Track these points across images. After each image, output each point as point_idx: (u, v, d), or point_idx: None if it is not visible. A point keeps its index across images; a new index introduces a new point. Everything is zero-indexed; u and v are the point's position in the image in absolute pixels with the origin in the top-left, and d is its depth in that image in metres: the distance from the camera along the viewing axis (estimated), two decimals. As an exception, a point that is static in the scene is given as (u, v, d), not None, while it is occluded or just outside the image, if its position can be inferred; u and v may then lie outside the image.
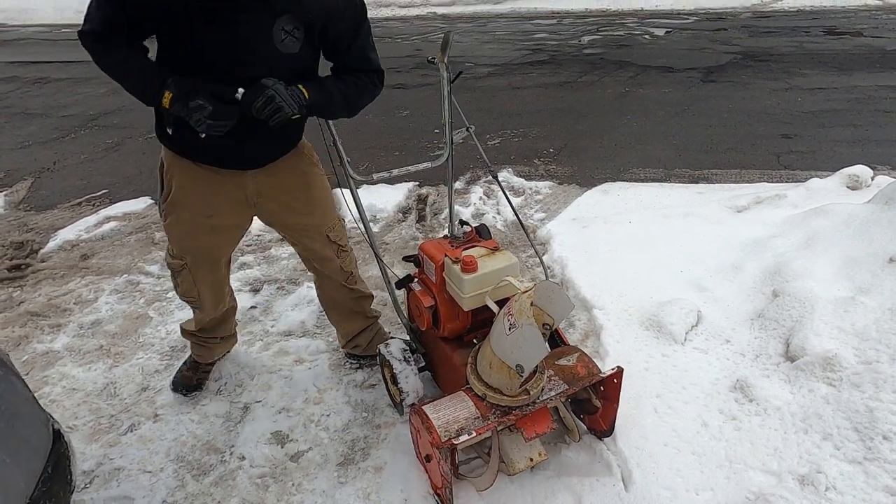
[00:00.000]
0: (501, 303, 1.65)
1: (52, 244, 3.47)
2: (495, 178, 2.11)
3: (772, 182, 3.84)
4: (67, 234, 3.58)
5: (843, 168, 3.54)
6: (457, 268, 1.65)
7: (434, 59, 2.12)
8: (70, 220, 3.79)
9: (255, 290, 2.91)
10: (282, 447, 1.99)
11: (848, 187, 3.43)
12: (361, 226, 2.01)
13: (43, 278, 3.14)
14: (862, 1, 10.93)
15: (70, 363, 2.47)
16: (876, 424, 1.68)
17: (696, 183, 3.94)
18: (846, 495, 1.56)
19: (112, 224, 3.68)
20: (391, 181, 3.91)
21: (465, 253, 1.69)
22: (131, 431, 2.10)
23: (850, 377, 1.84)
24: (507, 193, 2.19)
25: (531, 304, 1.46)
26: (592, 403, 1.80)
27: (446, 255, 1.72)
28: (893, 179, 2.90)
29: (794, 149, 4.45)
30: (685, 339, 2.28)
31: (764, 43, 7.98)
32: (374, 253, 1.98)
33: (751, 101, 5.55)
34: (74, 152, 5.04)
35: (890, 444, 1.62)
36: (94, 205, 4.02)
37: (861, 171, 3.48)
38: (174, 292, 2.91)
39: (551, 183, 4.01)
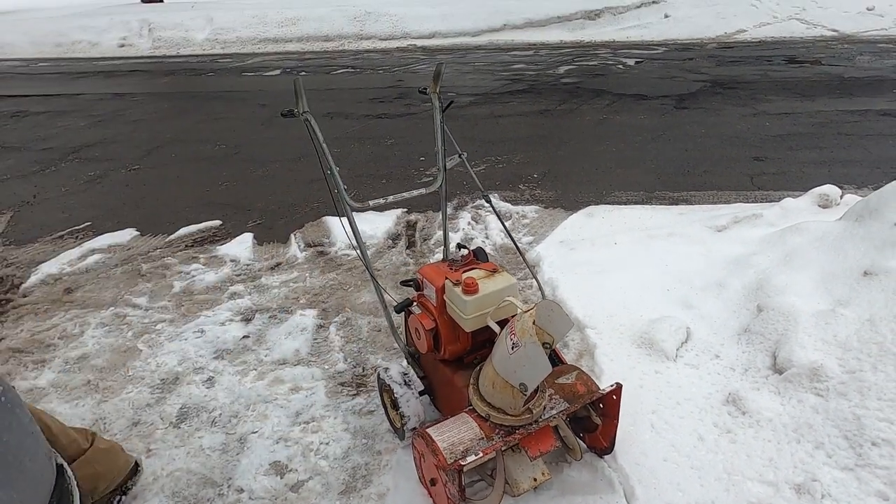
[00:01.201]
0: (501, 323, 1.69)
1: (33, 278, 3.40)
2: (488, 200, 2.17)
3: (748, 202, 4.00)
4: (50, 267, 3.51)
5: (813, 188, 3.71)
6: (458, 290, 1.69)
7: (426, 89, 2.21)
8: (52, 253, 3.72)
9: (247, 320, 2.89)
10: (281, 478, 1.96)
11: (819, 206, 3.60)
12: (358, 252, 2.04)
13: (25, 313, 3.06)
14: (818, 32, 11.61)
15: (56, 399, 2.40)
16: (864, 431, 1.74)
17: (677, 205, 4.08)
18: (841, 501, 1.61)
19: (96, 256, 3.63)
20: (380, 208, 3.97)
21: (465, 275, 1.73)
22: (123, 468, 2.04)
23: (836, 387, 1.91)
24: (500, 215, 2.25)
25: (533, 323, 1.50)
26: (592, 421, 1.83)
27: (447, 278, 1.76)
28: (860, 198, 3.05)
29: (766, 170, 4.66)
30: (676, 356, 2.33)
31: (731, 71, 8.39)
32: (372, 278, 2.00)
33: (722, 126, 5.80)
34: (55, 185, 4.98)
35: (879, 449, 1.68)
36: (76, 237, 3.96)
37: (830, 190, 3.65)
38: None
39: (537, 207, 4.10)
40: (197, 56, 12.39)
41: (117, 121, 7.11)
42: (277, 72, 10.12)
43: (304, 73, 9.84)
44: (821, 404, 1.89)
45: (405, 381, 2.00)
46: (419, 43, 12.58)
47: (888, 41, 10.60)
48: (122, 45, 13.59)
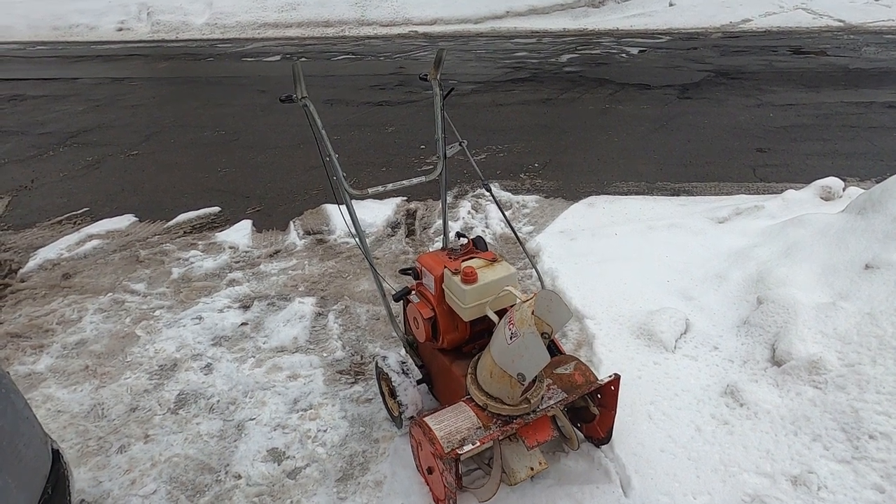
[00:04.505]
0: (500, 313, 1.68)
1: (31, 263, 3.39)
2: (488, 189, 2.15)
3: (749, 194, 3.98)
4: (48, 252, 3.50)
5: (815, 180, 3.69)
6: (457, 279, 1.67)
7: (427, 75, 2.17)
8: (50, 238, 3.71)
9: (245, 307, 2.89)
10: (279, 464, 1.97)
11: (821, 198, 3.58)
12: (357, 240, 2.02)
13: (23, 298, 3.06)
14: (825, 22, 11.47)
15: (54, 385, 2.40)
16: (862, 424, 1.74)
17: (678, 195, 4.05)
18: (837, 494, 1.61)
19: (95, 242, 3.62)
20: (380, 196, 3.95)
21: (464, 264, 1.71)
22: (121, 453, 2.05)
23: (834, 379, 1.91)
24: (500, 204, 2.23)
25: (532, 313, 1.49)
26: (590, 411, 1.83)
27: (446, 267, 1.74)
28: (863, 190, 3.03)
29: (769, 162, 4.62)
30: (675, 347, 2.33)
31: (735, 61, 8.30)
32: (370, 266, 1.99)
33: (725, 117, 5.75)
34: (53, 170, 4.94)
35: (876, 442, 1.68)
36: (75, 223, 3.94)
37: (833, 182, 3.63)
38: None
39: (538, 197, 4.08)
40: (196, 41, 12.26)
41: (115, 105, 7.05)
42: (277, 57, 10.02)
43: (304, 58, 9.74)
44: (819, 397, 1.89)
45: (403, 369, 1.99)
46: (421, 29, 12.43)
47: (895, 32, 10.48)
48: (121, 29, 13.43)
